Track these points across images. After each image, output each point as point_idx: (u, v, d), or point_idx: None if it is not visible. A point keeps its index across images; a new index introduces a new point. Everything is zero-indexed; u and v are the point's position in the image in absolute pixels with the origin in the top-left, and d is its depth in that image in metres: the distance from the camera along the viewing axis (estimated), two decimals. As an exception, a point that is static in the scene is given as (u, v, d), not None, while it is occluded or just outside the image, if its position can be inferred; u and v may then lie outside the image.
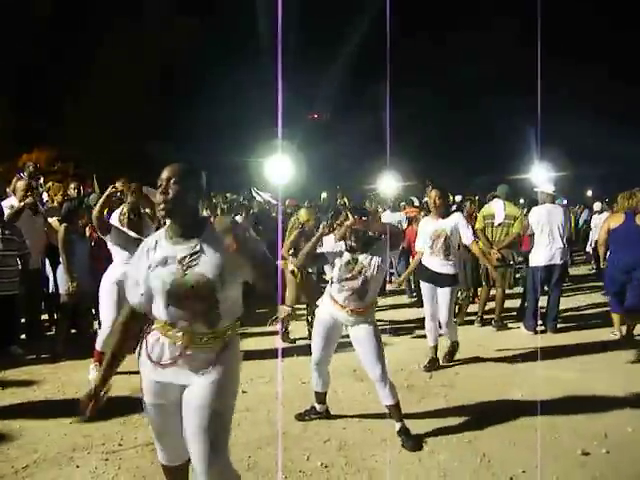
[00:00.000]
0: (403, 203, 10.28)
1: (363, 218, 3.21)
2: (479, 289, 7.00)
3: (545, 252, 5.89)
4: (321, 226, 3.45)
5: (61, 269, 4.98)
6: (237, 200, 11.69)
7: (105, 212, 4.19)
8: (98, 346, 4.37)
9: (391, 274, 9.09)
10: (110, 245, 4.32)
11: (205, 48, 21.34)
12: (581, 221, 13.88)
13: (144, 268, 2.00)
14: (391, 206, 9.30)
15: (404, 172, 13.90)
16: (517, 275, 9.53)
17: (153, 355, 2.03)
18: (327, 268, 4.63)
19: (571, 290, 8.71)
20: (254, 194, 13.47)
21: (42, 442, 3.23)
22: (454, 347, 4.95)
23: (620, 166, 18.81)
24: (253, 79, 19.78)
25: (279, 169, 10.72)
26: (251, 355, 4.34)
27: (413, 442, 3.20)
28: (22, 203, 5.12)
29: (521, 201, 11.60)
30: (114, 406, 3.71)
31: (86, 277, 5.02)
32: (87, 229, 5.26)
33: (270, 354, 4.93)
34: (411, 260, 6.06)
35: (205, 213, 1.95)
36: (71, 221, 4.99)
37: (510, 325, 6.32)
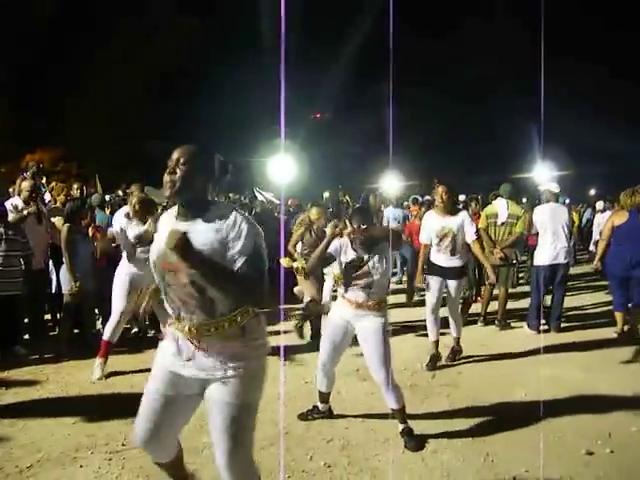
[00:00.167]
0: (406, 203, 10.27)
1: (362, 226, 3.23)
2: (482, 288, 6.99)
3: (549, 251, 5.88)
4: (328, 227, 3.45)
5: (64, 269, 4.99)
6: (240, 200, 11.71)
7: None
8: (106, 336, 4.45)
9: (393, 274, 9.09)
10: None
11: (207, 48, 21.37)
12: (584, 220, 13.84)
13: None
14: (394, 203, 9.29)
15: (406, 171, 13.90)
16: (521, 274, 9.55)
17: (173, 349, 2.02)
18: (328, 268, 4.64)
19: (574, 289, 8.68)
20: (256, 194, 13.49)
21: (46, 442, 3.23)
22: (458, 345, 4.95)
23: (623, 165, 18.76)
24: (255, 79, 19.82)
25: (281, 169, 10.73)
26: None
27: (416, 442, 3.19)
28: (26, 212, 5.12)
29: (524, 200, 11.59)
30: (117, 406, 3.74)
31: (89, 277, 5.04)
32: (90, 229, 5.27)
33: (272, 353, 4.92)
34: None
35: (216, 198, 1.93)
36: (74, 221, 5.01)
37: (513, 324, 6.31)
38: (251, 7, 18.97)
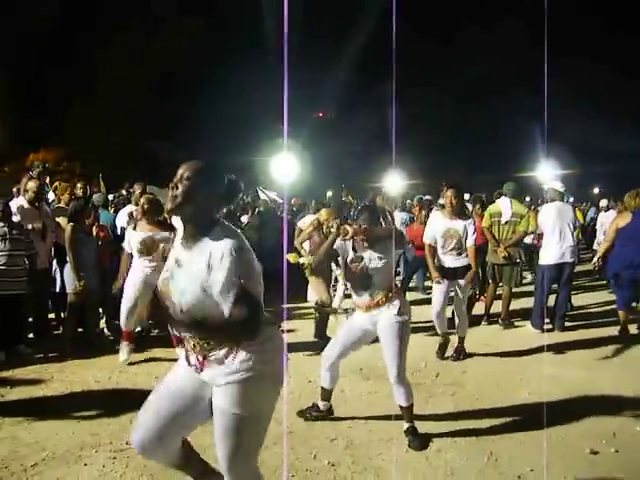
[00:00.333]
0: (409, 201, 10.25)
1: (364, 226, 3.24)
2: (485, 287, 6.96)
3: (556, 250, 5.86)
4: (334, 225, 3.46)
5: (68, 268, 5.00)
6: (243, 199, 11.71)
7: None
8: (122, 326, 4.72)
9: (396, 274, 9.07)
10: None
11: (209, 47, 21.37)
12: (587, 219, 13.82)
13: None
14: (399, 205, 9.27)
15: (409, 171, 13.89)
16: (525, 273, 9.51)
17: (184, 360, 2.03)
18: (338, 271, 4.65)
19: (578, 288, 8.66)
20: (259, 193, 13.51)
21: (50, 440, 3.24)
22: (462, 345, 4.97)
23: (627, 164, 18.68)
24: (257, 78, 19.80)
25: (284, 168, 10.74)
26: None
27: (420, 441, 3.19)
28: (30, 226, 5.14)
29: (527, 199, 11.57)
30: (121, 405, 3.75)
31: (93, 276, 5.05)
32: (94, 228, 5.28)
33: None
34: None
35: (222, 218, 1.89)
36: (78, 220, 5.02)
37: (517, 324, 6.30)
38: (253, 6, 18.99)
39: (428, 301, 7.37)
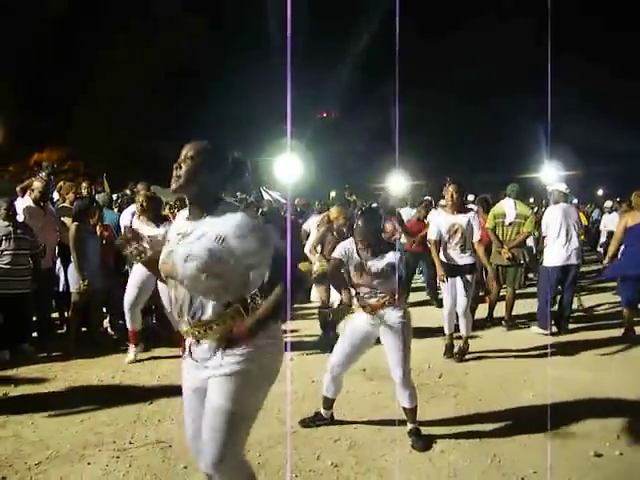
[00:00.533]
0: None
1: (365, 241, 3.26)
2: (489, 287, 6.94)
3: (561, 252, 5.84)
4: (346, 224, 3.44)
5: (72, 267, 5.01)
6: (246, 199, 11.72)
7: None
8: (129, 326, 4.76)
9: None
10: None
11: (213, 47, 21.42)
12: (591, 220, 13.80)
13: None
14: (408, 203, 9.22)
15: (413, 171, 13.87)
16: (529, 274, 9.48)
17: (187, 351, 2.02)
18: None
19: (582, 289, 8.63)
20: (263, 193, 13.51)
21: (54, 439, 3.25)
22: (466, 345, 4.98)
23: (631, 165, 18.64)
24: (261, 78, 19.84)
25: (288, 168, 10.74)
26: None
27: (423, 442, 3.18)
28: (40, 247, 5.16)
29: (530, 200, 11.54)
30: (125, 404, 3.76)
31: (97, 275, 5.06)
32: (98, 228, 5.29)
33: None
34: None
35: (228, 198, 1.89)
36: (82, 220, 5.04)
37: (521, 325, 6.28)
38: (256, 6, 19.02)
39: (430, 302, 7.40)
